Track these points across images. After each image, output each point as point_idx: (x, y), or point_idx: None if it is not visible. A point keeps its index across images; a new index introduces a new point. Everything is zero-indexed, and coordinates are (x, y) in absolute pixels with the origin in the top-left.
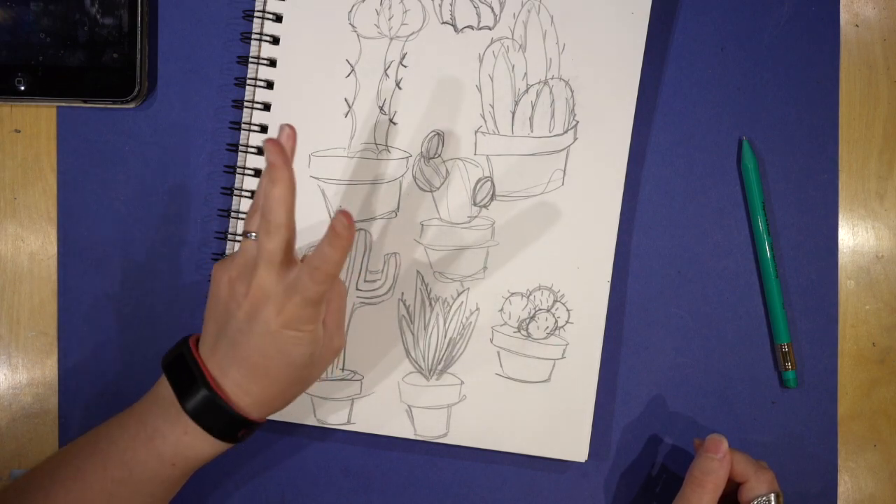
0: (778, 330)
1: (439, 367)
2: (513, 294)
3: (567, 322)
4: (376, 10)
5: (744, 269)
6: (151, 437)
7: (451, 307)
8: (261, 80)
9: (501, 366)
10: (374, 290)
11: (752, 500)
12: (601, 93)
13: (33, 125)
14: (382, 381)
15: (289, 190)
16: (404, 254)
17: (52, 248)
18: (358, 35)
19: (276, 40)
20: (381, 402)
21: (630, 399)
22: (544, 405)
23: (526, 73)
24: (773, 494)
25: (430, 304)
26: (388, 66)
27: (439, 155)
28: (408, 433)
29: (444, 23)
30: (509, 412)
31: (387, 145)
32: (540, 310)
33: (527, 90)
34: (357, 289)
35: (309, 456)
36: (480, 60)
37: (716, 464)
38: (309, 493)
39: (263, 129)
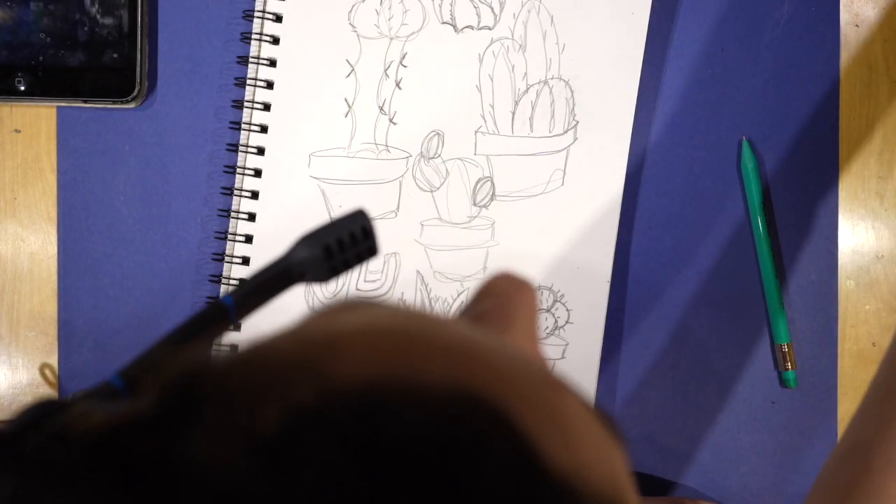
0: (778, 330)
1: None
2: None
3: (567, 322)
4: (376, 10)
5: (744, 268)
6: None
7: (451, 307)
8: (261, 80)
9: None
10: (374, 290)
11: None
12: (601, 93)
13: (33, 125)
14: None
15: None
16: (404, 254)
17: (52, 248)
18: (358, 35)
19: (276, 40)
20: None
21: (630, 399)
22: None
23: (526, 73)
24: None
25: (430, 304)
26: (388, 66)
27: (439, 155)
28: None
29: (444, 23)
30: None
31: (387, 145)
32: (539, 310)
33: (527, 90)
34: (357, 289)
35: None
36: (480, 60)
37: None
38: None
39: (263, 129)
